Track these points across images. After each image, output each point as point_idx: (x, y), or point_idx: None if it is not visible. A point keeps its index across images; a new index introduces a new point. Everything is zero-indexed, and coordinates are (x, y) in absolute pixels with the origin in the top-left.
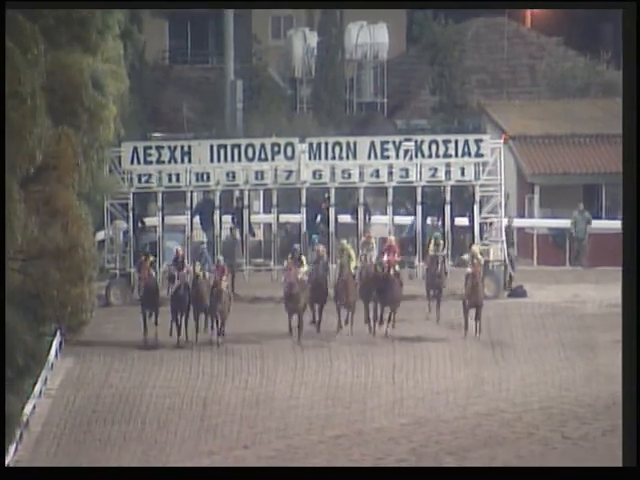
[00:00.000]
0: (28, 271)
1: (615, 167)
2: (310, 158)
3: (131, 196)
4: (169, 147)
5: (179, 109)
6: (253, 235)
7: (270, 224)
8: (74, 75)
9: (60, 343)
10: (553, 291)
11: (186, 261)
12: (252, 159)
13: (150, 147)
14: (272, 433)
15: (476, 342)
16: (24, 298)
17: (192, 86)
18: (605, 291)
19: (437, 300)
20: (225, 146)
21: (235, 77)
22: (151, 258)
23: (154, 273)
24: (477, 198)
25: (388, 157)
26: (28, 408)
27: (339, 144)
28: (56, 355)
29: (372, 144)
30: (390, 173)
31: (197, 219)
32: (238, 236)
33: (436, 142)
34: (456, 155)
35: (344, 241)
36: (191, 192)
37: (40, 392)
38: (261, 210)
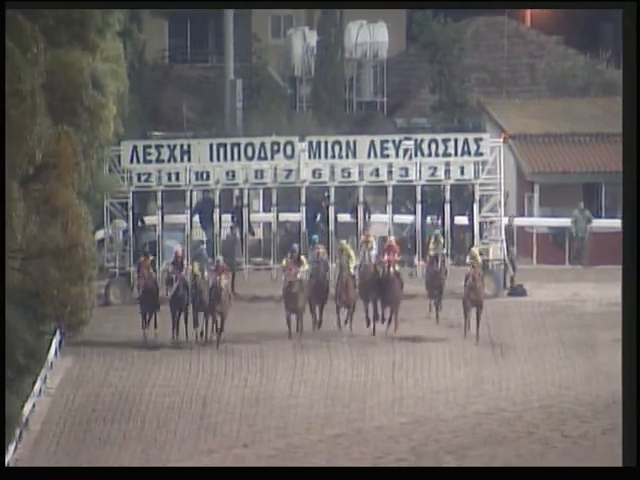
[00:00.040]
0: (28, 270)
1: (615, 166)
2: (310, 157)
3: (131, 195)
4: (169, 146)
5: (179, 108)
6: (253, 234)
7: (270, 223)
8: (74, 74)
9: (60, 342)
10: (553, 290)
11: (185, 262)
12: (252, 158)
13: (150, 146)
14: (272, 432)
15: (476, 340)
16: (24, 297)
17: (192, 85)
18: (605, 290)
19: (437, 299)
20: (225, 145)
21: (235, 76)
22: (151, 257)
23: (154, 273)
24: (477, 197)
25: (388, 156)
26: (28, 407)
27: (339, 143)
28: (56, 354)
29: (372, 143)
30: (390, 172)
31: (197, 218)
32: (238, 235)
33: (436, 141)
34: (456, 154)
35: (344, 241)
36: (191, 191)
37: (40, 391)
38: (261, 209)
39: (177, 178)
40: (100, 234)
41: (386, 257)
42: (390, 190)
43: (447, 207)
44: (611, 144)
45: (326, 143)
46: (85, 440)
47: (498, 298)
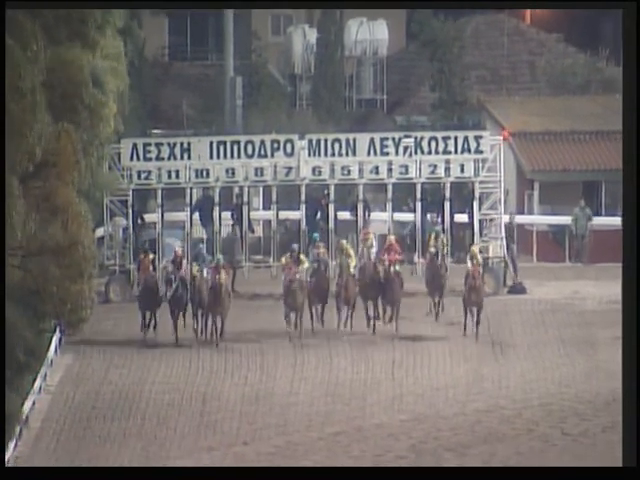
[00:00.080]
0: (28, 268)
1: (615, 164)
2: (309, 155)
3: (131, 193)
4: (169, 144)
5: (179, 106)
6: (252, 231)
7: (269, 221)
8: (74, 72)
9: (60, 339)
10: (553, 288)
11: (185, 261)
12: (252, 156)
13: (150, 144)
14: (272, 429)
15: (475, 339)
16: (24, 294)
17: (192, 83)
18: (605, 287)
19: (438, 298)
20: (225, 143)
21: (235, 74)
22: (151, 256)
23: (154, 271)
24: (477, 194)
25: (387, 154)
26: (28, 404)
27: (338, 141)
28: (56, 351)
29: (372, 141)
30: (389, 170)
31: (197, 215)
32: (238, 233)
33: (436, 139)
34: (456, 152)
35: (344, 241)
36: (190, 189)
37: (40, 388)
38: (260, 207)
39: (177, 176)
40: (100, 232)
41: (386, 256)
42: (390, 188)
43: (447, 205)
44: (611, 142)
45: (326, 141)
46: (85, 437)
47: (498, 296)
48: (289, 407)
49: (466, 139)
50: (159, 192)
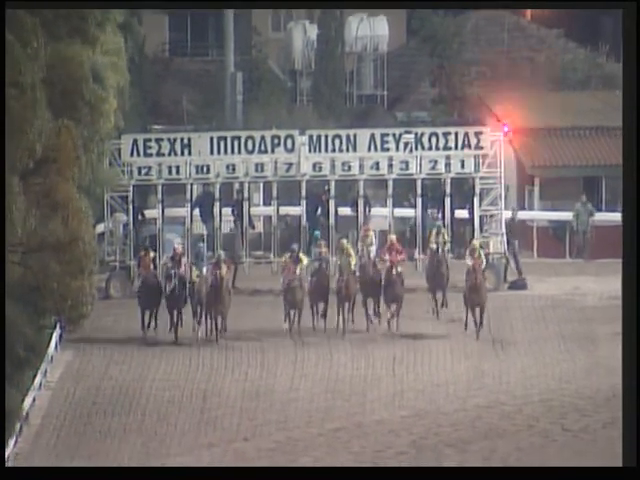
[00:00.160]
0: (28, 264)
1: (615, 159)
2: (310, 150)
3: (131, 189)
4: (169, 139)
5: (179, 102)
6: (253, 227)
7: (270, 216)
8: (74, 68)
9: (60, 335)
10: (553, 283)
11: (184, 258)
12: (252, 151)
13: (150, 139)
14: (272, 425)
15: (476, 336)
16: (24, 291)
17: (192, 78)
18: (605, 283)
19: (440, 294)
20: (225, 138)
21: (235, 69)
22: (151, 254)
23: (154, 269)
24: (477, 190)
25: (388, 149)
26: (28, 401)
27: (339, 136)
28: (56, 348)
29: (372, 136)
30: (390, 165)
31: (197, 211)
32: (238, 228)
33: (436, 134)
34: (456, 147)
35: (344, 240)
36: (191, 184)
37: (40, 384)
38: (261, 202)
39: (177, 171)
40: (100, 228)
41: (388, 257)
42: (390, 184)
43: (447, 200)
44: (611, 137)
45: (326, 136)
46: (85, 433)
47: (498, 292)
48: (289, 403)
49: (466, 135)
50: (159, 188)
